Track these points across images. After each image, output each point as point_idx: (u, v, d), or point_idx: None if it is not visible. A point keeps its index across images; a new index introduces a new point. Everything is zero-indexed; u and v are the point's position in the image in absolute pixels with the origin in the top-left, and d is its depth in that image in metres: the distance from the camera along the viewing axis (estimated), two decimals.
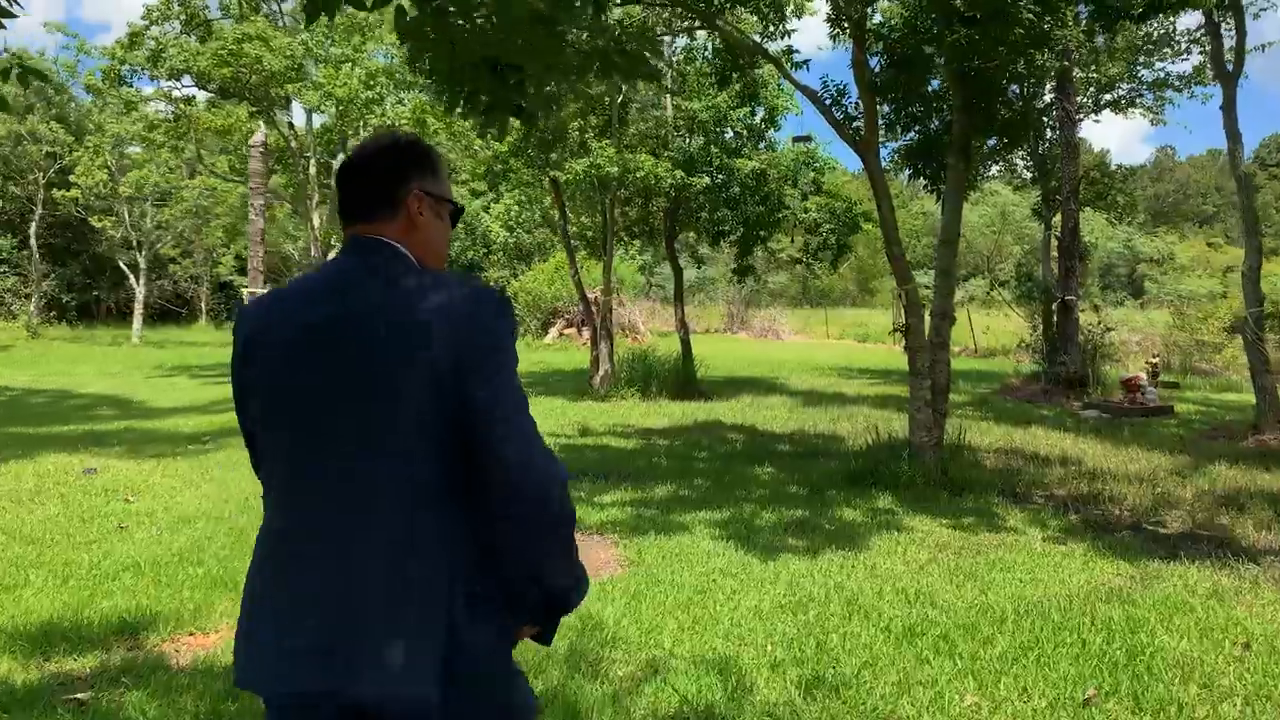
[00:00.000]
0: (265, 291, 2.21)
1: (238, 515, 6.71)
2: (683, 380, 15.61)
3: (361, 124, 16.87)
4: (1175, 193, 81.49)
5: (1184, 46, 15.81)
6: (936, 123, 8.35)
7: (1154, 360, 15.17)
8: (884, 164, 8.91)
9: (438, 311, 1.56)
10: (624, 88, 13.48)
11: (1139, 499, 7.73)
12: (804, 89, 7.95)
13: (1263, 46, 14.50)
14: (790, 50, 7.97)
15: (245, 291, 11.45)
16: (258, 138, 10.96)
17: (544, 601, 1.69)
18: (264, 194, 11.22)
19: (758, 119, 16.43)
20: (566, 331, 28.85)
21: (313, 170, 18.62)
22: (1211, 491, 8.06)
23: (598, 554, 5.83)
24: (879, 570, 5.55)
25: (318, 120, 19.31)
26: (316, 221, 18.51)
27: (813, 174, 16.58)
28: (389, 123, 16.50)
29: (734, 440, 10.87)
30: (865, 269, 58.09)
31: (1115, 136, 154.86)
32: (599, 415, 12.78)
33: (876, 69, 8.04)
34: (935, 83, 8.32)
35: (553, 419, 12.04)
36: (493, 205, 20.48)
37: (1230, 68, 11.47)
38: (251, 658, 1.63)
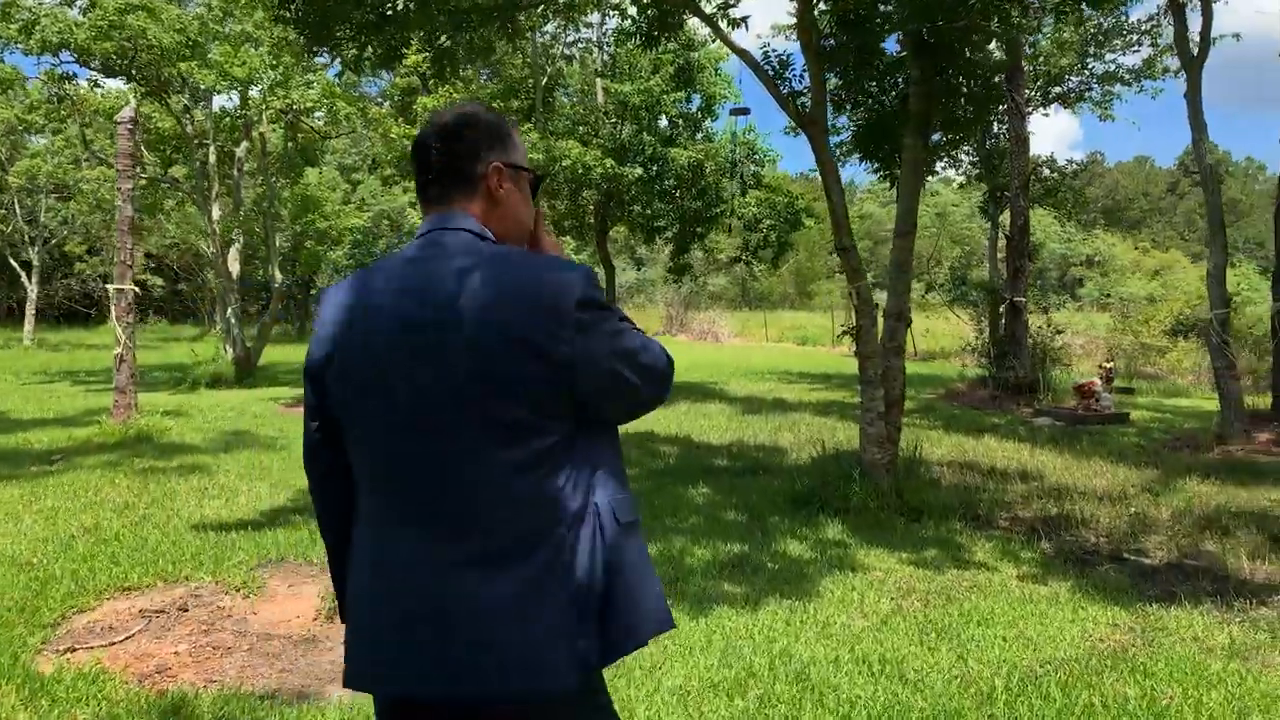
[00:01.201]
0: (346, 277, 1.54)
1: (53, 560, 5.45)
2: None
3: (265, 107, 15.44)
4: (1105, 197, 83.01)
5: (1135, 39, 15.21)
6: (893, 96, 7.36)
7: (1108, 365, 14.48)
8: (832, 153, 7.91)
9: (514, 304, 1.46)
10: (547, 69, 12.36)
11: (1113, 521, 7.05)
12: (742, 53, 6.88)
13: (1236, 35, 13.74)
14: (726, 4, 6.91)
15: (111, 289, 10.05)
16: (125, 112, 9.57)
17: None
18: (132, 177, 9.84)
19: (694, 108, 15.41)
20: None
21: (212, 159, 17.08)
22: (1190, 511, 7.38)
23: None
24: (833, 628, 4.53)
25: (217, 103, 17.81)
26: (216, 214, 16.97)
27: (754, 167, 15.59)
28: (294, 105, 15.13)
29: (667, 455, 9.84)
30: (804, 272, 57.90)
31: (1050, 140, 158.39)
32: None
33: (826, 31, 7.03)
34: (892, 49, 7.33)
35: None
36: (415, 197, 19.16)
37: (1195, 53, 10.75)
38: (354, 657, 1.58)
